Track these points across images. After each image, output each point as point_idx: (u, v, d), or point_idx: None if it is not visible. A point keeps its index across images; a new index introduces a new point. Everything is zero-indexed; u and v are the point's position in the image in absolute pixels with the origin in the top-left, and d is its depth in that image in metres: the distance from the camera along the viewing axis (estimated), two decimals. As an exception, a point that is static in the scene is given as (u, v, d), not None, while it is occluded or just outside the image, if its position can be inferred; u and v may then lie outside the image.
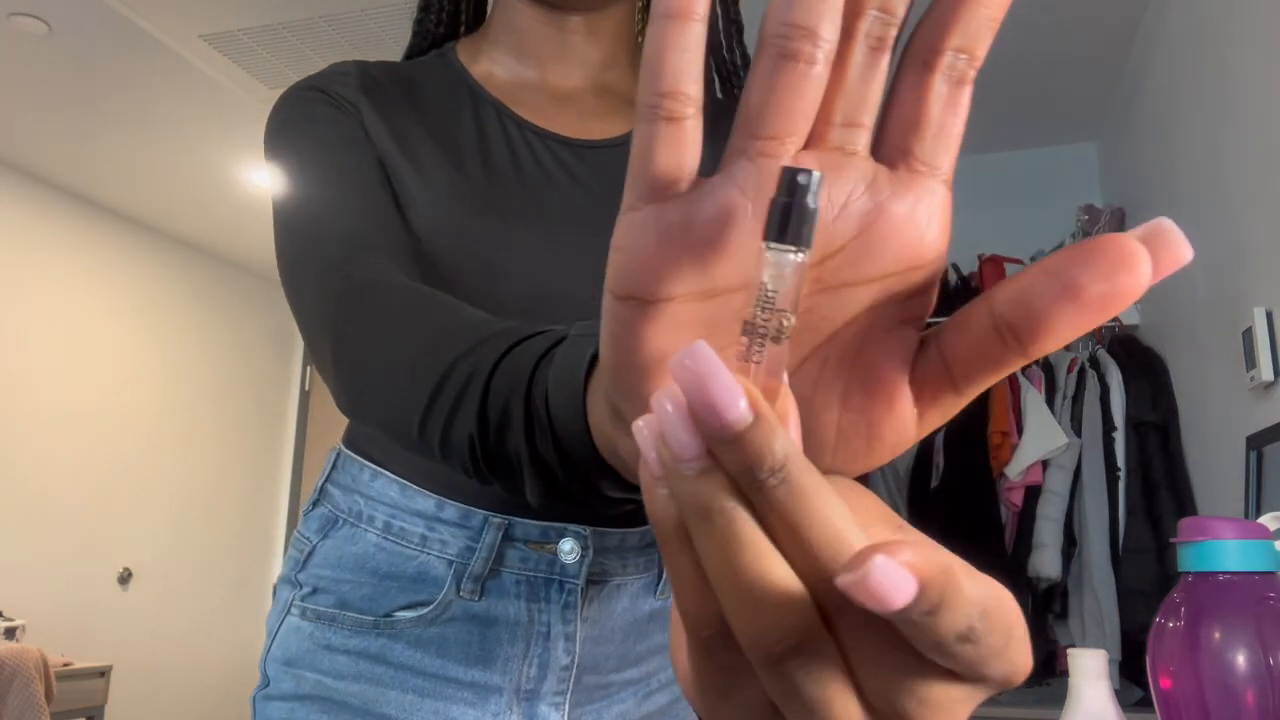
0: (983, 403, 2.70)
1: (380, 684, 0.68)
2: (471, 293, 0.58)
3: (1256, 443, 1.83)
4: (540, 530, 0.68)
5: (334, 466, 0.74)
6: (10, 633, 3.43)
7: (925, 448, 2.85)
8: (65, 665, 3.52)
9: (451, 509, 0.68)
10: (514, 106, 0.73)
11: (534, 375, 0.40)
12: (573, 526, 0.69)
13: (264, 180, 3.81)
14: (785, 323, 0.24)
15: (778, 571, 0.23)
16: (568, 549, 0.69)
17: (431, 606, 0.68)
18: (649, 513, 0.24)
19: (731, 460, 0.22)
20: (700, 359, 0.22)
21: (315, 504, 0.75)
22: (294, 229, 0.62)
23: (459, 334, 0.45)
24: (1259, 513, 1.77)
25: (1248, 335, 1.86)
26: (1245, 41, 1.88)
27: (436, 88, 0.73)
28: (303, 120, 0.67)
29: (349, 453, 0.73)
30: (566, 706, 0.71)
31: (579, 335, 0.37)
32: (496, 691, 0.69)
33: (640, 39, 0.79)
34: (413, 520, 0.69)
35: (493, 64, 0.75)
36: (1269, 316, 1.80)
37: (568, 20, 0.74)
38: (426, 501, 0.68)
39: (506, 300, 0.65)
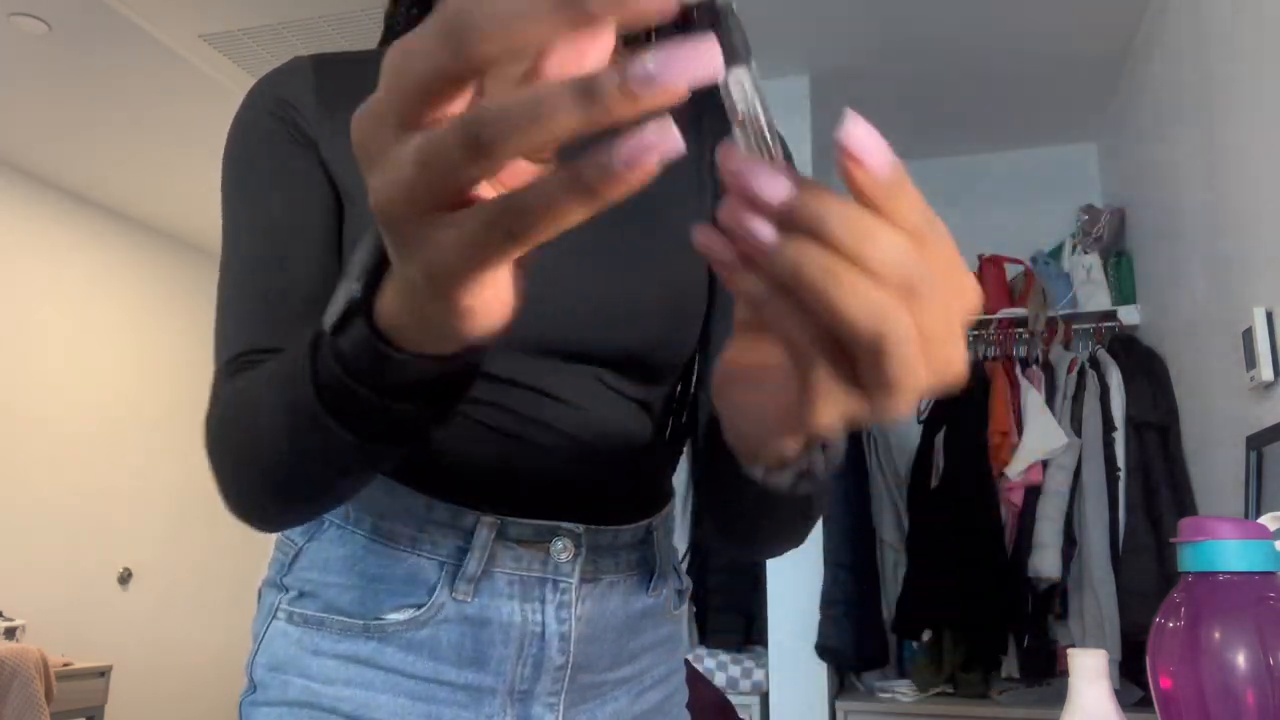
0: (983, 403, 2.70)
1: (371, 688, 0.67)
2: None
3: (1256, 443, 1.83)
4: (534, 530, 0.68)
5: None
6: (10, 633, 3.43)
7: (925, 448, 2.85)
8: (65, 665, 3.51)
9: (442, 509, 0.67)
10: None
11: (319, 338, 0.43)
12: (566, 525, 0.69)
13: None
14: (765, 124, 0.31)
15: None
16: (561, 548, 0.69)
17: (423, 609, 0.67)
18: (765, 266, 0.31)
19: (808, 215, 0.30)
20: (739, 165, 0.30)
21: None
22: (225, 291, 0.66)
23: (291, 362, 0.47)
24: (1259, 513, 1.76)
25: (1248, 335, 1.86)
26: (1245, 42, 1.88)
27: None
28: (253, 163, 0.68)
29: None
30: (561, 707, 0.70)
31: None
32: (490, 693, 0.68)
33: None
34: (402, 521, 0.67)
35: None
36: (1269, 316, 1.80)
37: None
38: (416, 501, 0.67)
39: None
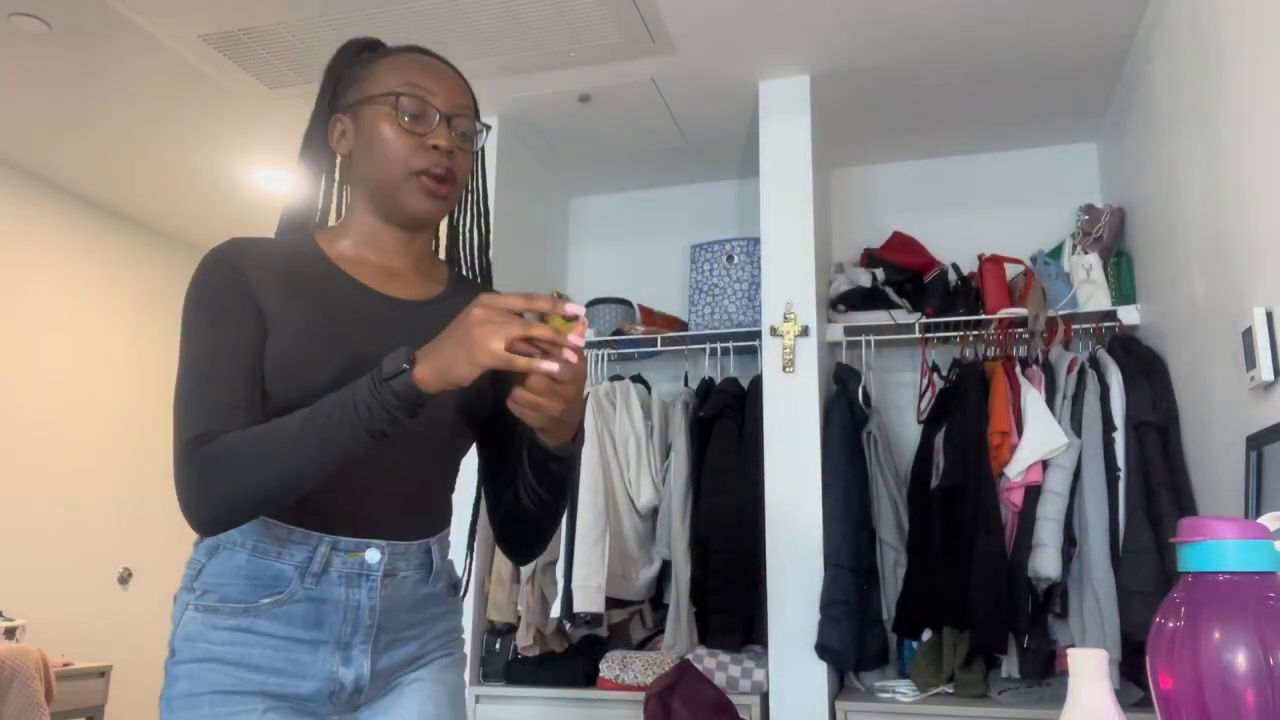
0: (983, 403, 2.70)
1: (248, 645, 1.07)
2: (318, 380, 1.05)
3: (1256, 443, 1.83)
4: (355, 544, 1.11)
5: None
6: (10, 633, 3.43)
7: (925, 448, 2.85)
8: (65, 665, 3.51)
9: (298, 533, 1.08)
10: (357, 276, 1.18)
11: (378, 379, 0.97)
12: (376, 541, 1.12)
13: (265, 181, 3.81)
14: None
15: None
16: (371, 555, 1.11)
17: (283, 595, 1.08)
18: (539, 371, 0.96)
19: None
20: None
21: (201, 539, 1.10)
22: (181, 391, 1.04)
23: (311, 409, 1.00)
24: (1259, 513, 1.76)
25: (1248, 335, 1.86)
26: (1244, 41, 1.88)
27: (306, 260, 1.16)
28: (208, 305, 1.07)
29: None
30: (370, 651, 1.12)
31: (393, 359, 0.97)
32: (325, 643, 1.10)
33: (434, 244, 1.31)
34: (271, 543, 1.08)
35: (344, 250, 1.20)
36: (1269, 316, 1.79)
37: (403, 235, 1.21)
38: (280, 530, 1.08)
39: (330, 383, 1.05)
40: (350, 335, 1.11)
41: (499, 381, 1.12)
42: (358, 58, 1.26)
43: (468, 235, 1.33)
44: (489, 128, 1.24)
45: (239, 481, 0.96)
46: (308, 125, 1.24)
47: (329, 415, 0.96)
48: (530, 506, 1.17)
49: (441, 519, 1.22)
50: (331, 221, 1.26)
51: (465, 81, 1.23)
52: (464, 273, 1.32)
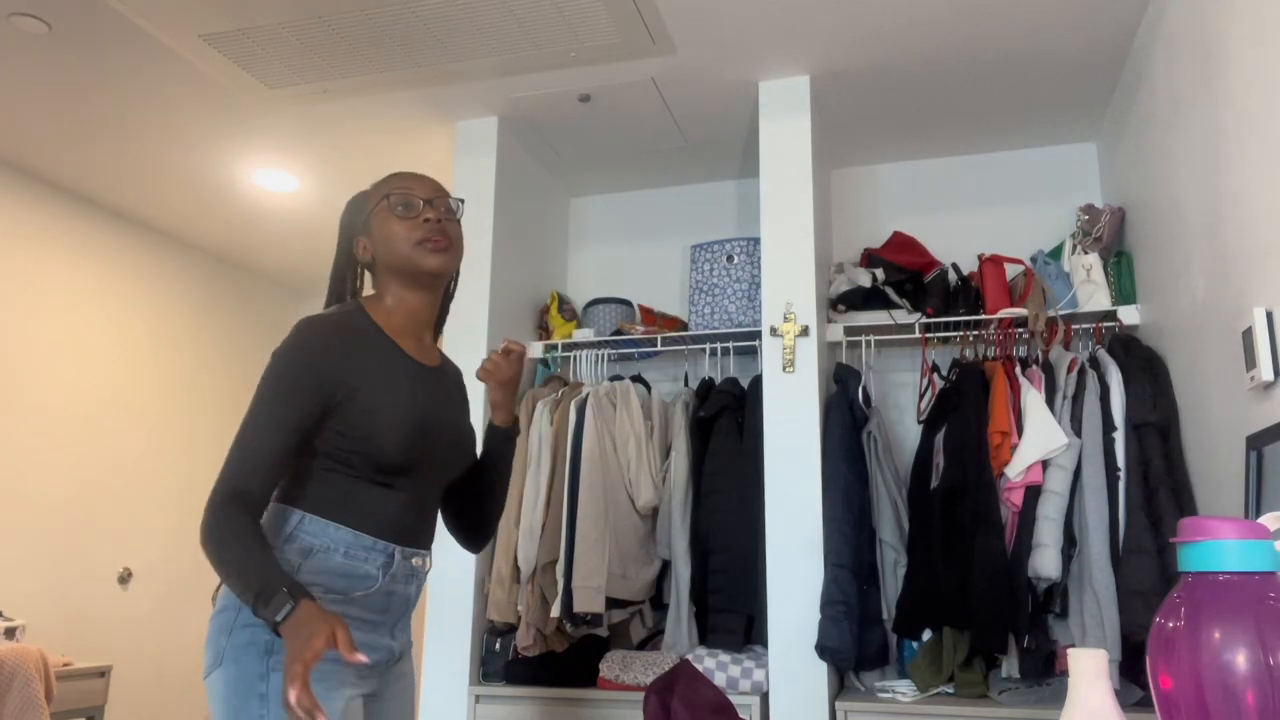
0: (983, 403, 2.70)
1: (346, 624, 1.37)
2: (396, 432, 1.48)
3: (1256, 443, 1.83)
4: (413, 553, 1.54)
5: (299, 523, 1.44)
6: (10, 633, 3.43)
7: (925, 448, 2.85)
8: (65, 665, 3.51)
9: (380, 544, 1.48)
10: (399, 343, 1.57)
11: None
12: (420, 550, 1.55)
13: (265, 181, 3.81)
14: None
15: None
16: (420, 560, 1.55)
17: (372, 589, 1.47)
18: None
19: None
20: None
21: (287, 540, 1.43)
22: (245, 431, 1.40)
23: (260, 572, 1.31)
24: (1259, 513, 1.76)
25: (1248, 335, 1.86)
26: (1244, 40, 1.88)
27: (366, 331, 1.53)
28: (293, 368, 1.43)
29: (313, 515, 1.44)
30: (404, 628, 1.57)
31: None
32: (385, 623, 1.51)
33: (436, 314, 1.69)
34: (359, 550, 1.46)
35: (388, 317, 1.58)
36: (1269, 316, 1.79)
37: (427, 294, 1.61)
38: (366, 540, 1.47)
39: (413, 439, 1.51)
40: (415, 397, 1.54)
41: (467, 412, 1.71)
42: (354, 201, 1.67)
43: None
44: (463, 201, 1.75)
45: (215, 551, 1.33)
46: (333, 263, 1.65)
47: (250, 576, 1.29)
48: (481, 492, 1.71)
49: (434, 530, 1.66)
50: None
51: (434, 179, 1.65)
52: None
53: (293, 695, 1.14)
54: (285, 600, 1.24)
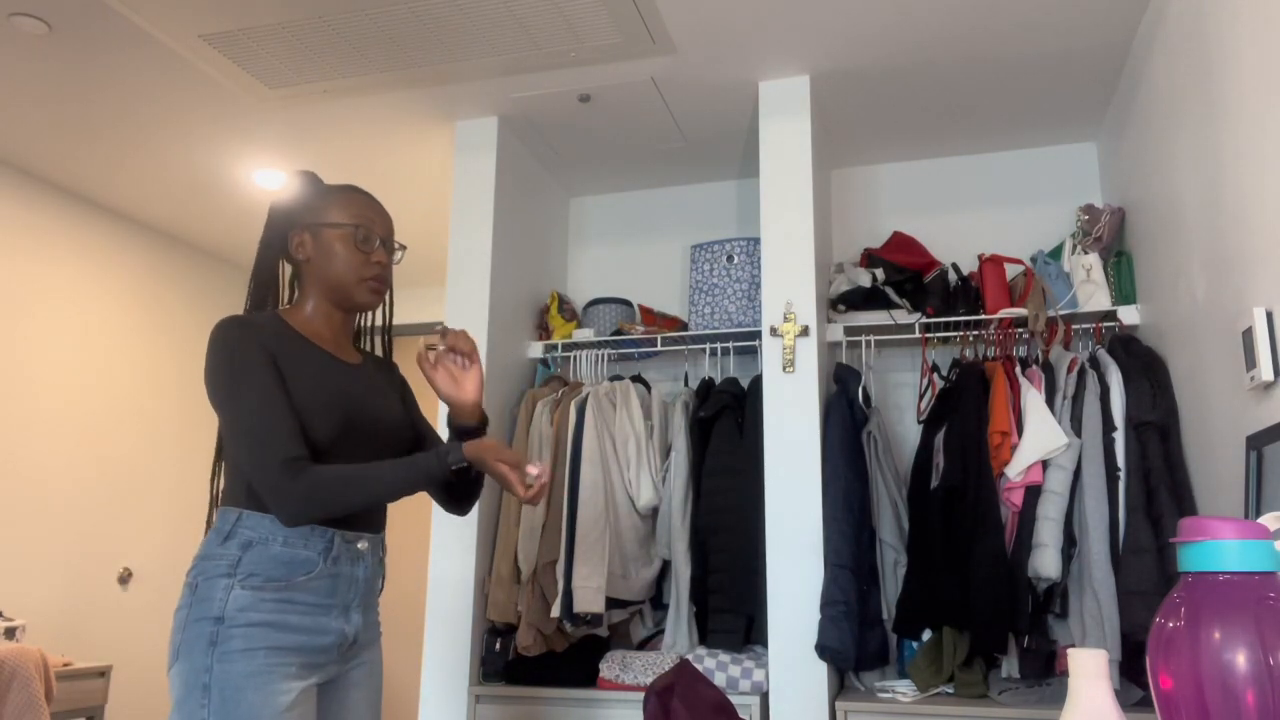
0: (983, 403, 2.70)
1: (288, 612, 1.49)
2: (328, 420, 1.57)
3: (1256, 443, 1.83)
4: (355, 536, 1.59)
5: (238, 520, 1.51)
6: (10, 633, 3.42)
7: (925, 448, 2.85)
8: (65, 665, 3.51)
9: (318, 530, 1.54)
10: (319, 344, 1.65)
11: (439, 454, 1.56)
12: (366, 534, 1.62)
13: (265, 181, 3.81)
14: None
15: None
16: (363, 543, 1.61)
17: (313, 573, 1.53)
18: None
19: None
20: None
21: (228, 537, 1.50)
22: (251, 422, 1.47)
23: (395, 465, 1.54)
24: (1259, 513, 1.76)
25: (1248, 335, 1.86)
26: (1244, 41, 1.88)
27: (284, 332, 1.61)
28: (247, 354, 1.51)
29: (249, 510, 1.52)
30: (358, 610, 1.60)
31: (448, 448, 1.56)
32: (336, 607, 1.56)
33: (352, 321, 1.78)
34: (297, 537, 1.52)
35: (307, 322, 1.67)
36: (1269, 316, 1.79)
37: (349, 316, 1.73)
38: (303, 528, 1.52)
39: (341, 422, 1.59)
40: (340, 384, 1.63)
41: (410, 408, 1.80)
42: (308, 188, 1.72)
43: (380, 320, 1.86)
44: (404, 247, 1.80)
45: (340, 498, 1.46)
46: (264, 232, 1.71)
47: (397, 475, 1.50)
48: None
49: (385, 518, 1.73)
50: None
51: (388, 213, 1.76)
52: (365, 345, 1.86)
53: (528, 467, 1.54)
54: (447, 451, 1.52)
